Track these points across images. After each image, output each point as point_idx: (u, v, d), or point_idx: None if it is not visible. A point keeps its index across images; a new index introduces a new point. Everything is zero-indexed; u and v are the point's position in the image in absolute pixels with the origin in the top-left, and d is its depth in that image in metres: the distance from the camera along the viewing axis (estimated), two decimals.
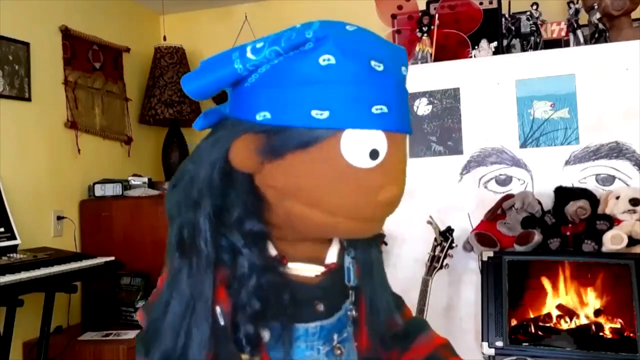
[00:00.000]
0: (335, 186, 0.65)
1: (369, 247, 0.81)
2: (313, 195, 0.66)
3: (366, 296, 0.80)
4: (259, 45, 0.66)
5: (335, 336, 0.76)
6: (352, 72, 0.63)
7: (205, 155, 0.69)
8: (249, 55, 0.65)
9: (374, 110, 0.64)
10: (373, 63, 0.64)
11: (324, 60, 0.63)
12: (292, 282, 0.72)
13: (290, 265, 0.73)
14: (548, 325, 1.94)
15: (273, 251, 0.72)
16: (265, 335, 0.69)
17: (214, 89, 0.69)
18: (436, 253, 2.01)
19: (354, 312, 0.79)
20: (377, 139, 0.65)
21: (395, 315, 0.88)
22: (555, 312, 1.95)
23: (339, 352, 0.76)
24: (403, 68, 0.69)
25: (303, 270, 0.74)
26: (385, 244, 2.21)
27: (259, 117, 0.65)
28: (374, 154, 0.65)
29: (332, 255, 0.77)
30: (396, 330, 0.87)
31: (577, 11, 2.28)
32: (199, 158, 0.70)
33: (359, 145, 0.64)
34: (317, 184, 0.66)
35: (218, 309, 0.68)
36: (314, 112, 0.63)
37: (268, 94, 0.66)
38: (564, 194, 2.02)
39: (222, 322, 0.68)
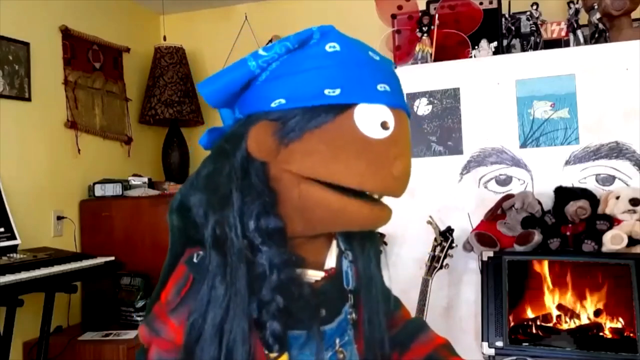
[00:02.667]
0: (351, 157, 0.68)
1: (366, 250, 0.82)
2: (330, 169, 0.68)
3: (365, 299, 0.81)
4: (269, 44, 0.71)
5: (337, 340, 0.76)
6: (356, 57, 0.70)
7: (223, 153, 0.72)
8: (261, 52, 0.70)
9: (379, 87, 0.70)
10: (371, 53, 0.72)
11: (330, 47, 0.69)
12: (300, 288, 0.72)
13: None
14: (548, 325, 1.94)
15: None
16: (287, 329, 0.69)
17: (229, 91, 0.72)
18: (436, 253, 2.01)
19: (353, 315, 0.79)
20: (386, 113, 0.70)
21: (394, 317, 0.88)
22: (555, 312, 1.95)
23: (341, 356, 0.76)
24: (392, 67, 0.77)
25: (307, 276, 0.74)
26: (385, 243, 2.21)
27: (273, 104, 0.69)
28: (384, 125, 0.69)
29: (331, 260, 0.78)
30: (395, 332, 0.87)
31: (577, 11, 2.28)
32: (217, 157, 0.72)
33: (371, 118, 0.69)
34: (334, 158, 0.68)
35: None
36: (326, 91, 0.68)
37: (281, 83, 0.70)
38: (564, 194, 2.02)
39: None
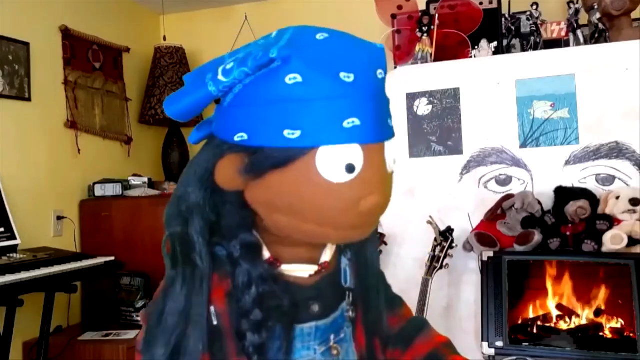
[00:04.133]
0: (315, 202, 0.66)
1: (365, 248, 0.82)
2: (298, 208, 0.67)
3: (363, 297, 0.81)
4: (229, 66, 0.66)
5: (332, 336, 0.77)
6: (321, 88, 0.62)
7: (193, 175, 0.71)
8: (220, 77, 0.66)
9: (345, 124, 0.63)
10: (342, 75, 0.63)
11: (290, 79, 0.62)
12: (288, 285, 0.73)
13: (284, 267, 0.74)
14: (548, 325, 1.94)
15: (267, 253, 0.73)
16: (266, 338, 0.71)
17: (195, 111, 0.70)
18: (436, 253, 2.01)
19: (351, 313, 0.79)
20: (352, 152, 0.64)
21: (394, 315, 0.88)
22: (555, 312, 1.95)
23: (335, 352, 0.76)
24: (380, 72, 0.67)
25: (296, 270, 0.74)
26: (385, 244, 2.21)
27: (237, 138, 0.66)
28: (350, 168, 0.64)
29: (326, 256, 0.78)
30: (396, 330, 0.87)
31: (577, 11, 2.28)
32: (187, 177, 0.72)
33: (334, 161, 0.64)
34: (297, 201, 0.66)
35: (212, 309, 0.70)
36: (286, 132, 0.63)
37: (242, 114, 0.66)
38: (564, 194, 2.02)
39: (214, 322, 0.70)
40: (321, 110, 0.63)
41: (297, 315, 0.73)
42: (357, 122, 0.63)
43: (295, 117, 0.63)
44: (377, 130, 0.66)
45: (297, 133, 0.63)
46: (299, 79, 0.62)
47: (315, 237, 0.71)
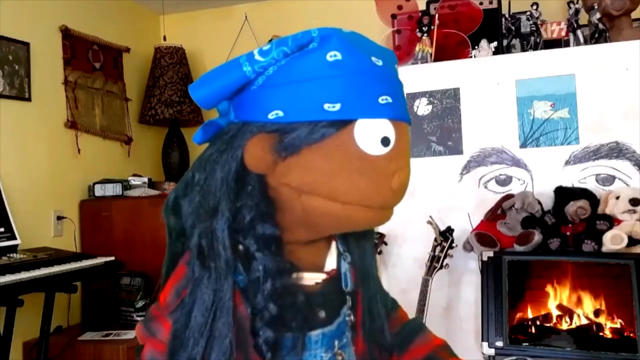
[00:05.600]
0: (352, 174, 0.67)
1: (364, 251, 0.82)
2: (331, 186, 0.67)
3: (363, 300, 0.80)
4: (266, 47, 0.68)
5: (336, 342, 0.76)
6: (358, 66, 0.67)
7: (216, 162, 0.70)
8: (257, 57, 0.67)
9: (380, 100, 0.67)
10: (374, 59, 0.68)
11: (330, 56, 0.66)
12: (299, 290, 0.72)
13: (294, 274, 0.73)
14: (548, 325, 1.94)
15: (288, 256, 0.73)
16: (280, 336, 0.70)
17: (223, 95, 0.69)
18: (436, 253, 2.01)
19: (352, 317, 0.79)
20: (386, 127, 0.68)
21: (391, 318, 0.88)
22: (555, 312, 1.95)
23: (340, 358, 0.76)
24: (396, 66, 0.74)
25: (305, 279, 0.74)
26: (385, 243, 2.21)
27: (271, 116, 0.67)
28: (385, 141, 0.68)
29: (331, 261, 0.78)
30: (393, 333, 0.86)
31: (577, 11, 2.28)
32: (209, 166, 0.71)
33: (371, 134, 0.67)
34: (334, 175, 0.67)
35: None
36: (326, 106, 0.66)
37: (278, 93, 0.67)
38: (564, 194, 2.02)
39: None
40: (359, 86, 0.67)
41: (311, 316, 0.72)
42: (389, 99, 0.68)
43: (335, 91, 0.66)
44: (405, 112, 0.72)
45: (337, 106, 0.66)
46: (339, 56, 0.66)
47: (343, 220, 0.70)
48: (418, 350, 0.84)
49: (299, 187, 0.68)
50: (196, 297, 0.68)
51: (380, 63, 0.69)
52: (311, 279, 0.74)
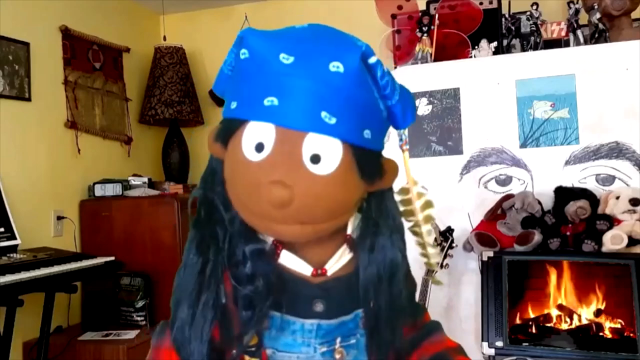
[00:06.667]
0: (234, 176, 0.68)
1: (384, 258, 0.77)
2: (228, 183, 0.70)
3: (379, 305, 0.76)
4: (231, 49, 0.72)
5: (338, 339, 0.75)
6: (258, 64, 0.65)
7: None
8: (226, 57, 0.72)
9: (265, 102, 0.63)
10: (282, 56, 0.63)
11: (242, 54, 0.67)
12: (286, 274, 0.73)
13: (285, 253, 0.73)
14: (548, 325, 1.94)
15: (269, 239, 0.74)
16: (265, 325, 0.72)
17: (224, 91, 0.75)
18: None
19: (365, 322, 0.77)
20: (266, 131, 0.64)
21: (415, 324, 0.86)
22: (555, 312, 1.95)
23: (339, 355, 0.75)
24: (335, 64, 0.63)
25: (295, 265, 0.74)
26: None
27: (225, 107, 0.71)
28: (258, 147, 0.64)
29: (334, 263, 0.75)
30: (412, 335, 0.85)
31: (577, 11, 2.28)
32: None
33: (249, 137, 0.65)
34: (227, 173, 0.70)
35: (222, 287, 0.71)
36: (232, 104, 0.68)
37: (228, 86, 0.72)
38: (564, 194, 2.02)
39: (223, 300, 0.71)
40: (251, 85, 0.65)
41: (291, 307, 0.72)
42: (275, 101, 0.63)
43: (235, 89, 0.68)
44: (298, 117, 0.63)
45: (234, 104, 0.67)
46: (247, 54, 0.66)
47: (247, 220, 0.70)
48: (428, 348, 0.84)
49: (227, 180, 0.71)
50: (187, 260, 0.73)
51: (288, 61, 0.63)
52: (302, 267, 0.73)
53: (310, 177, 0.64)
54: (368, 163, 0.68)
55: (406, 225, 0.82)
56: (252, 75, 0.65)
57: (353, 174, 0.66)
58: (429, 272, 1.99)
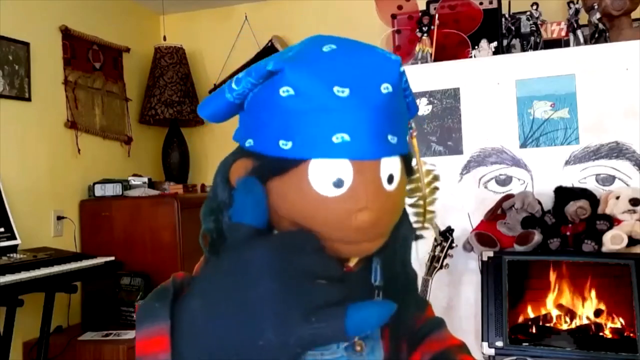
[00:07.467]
0: (308, 213, 0.66)
1: (394, 252, 0.79)
2: (295, 219, 0.67)
3: (391, 297, 0.77)
4: (240, 75, 0.68)
5: None
6: (311, 101, 0.63)
7: (219, 176, 0.73)
8: (233, 86, 0.68)
9: (334, 139, 0.63)
10: (336, 89, 0.63)
11: (283, 91, 0.63)
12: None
13: None
14: (548, 325, 1.94)
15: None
16: None
17: (221, 116, 0.73)
18: (436, 253, 2.01)
19: None
20: (342, 167, 0.64)
21: (420, 318, 0.87)
22: (555, 312, 1.95)
23: (359, 348, 0.75)
24: (385, 86, 0.65)
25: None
26: None
27: (246, 143, 0.69)
28: (338, 183, 0.64)
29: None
30: (415, 330, 0.86)
31: (577, 11, 2.28)
32: (215, 178, 0.74)
33: (324, 175, 0.64)
34: (294, 211, 0.67)
35: None
36: (280, 142, 0.64)
37: (250, 120, 0.69)
38: (564, 194, 2.02)
39: None
40: (310, 124, 0.63)
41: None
42: (346, 137, 0.63)
43: (287, 128, 0.64)
44: (372, 147, 0.64)
45: (289, 144, 0.64)
46: (291, 91, 0.63)
47: (329, 249, 0.69)
48: (432, 346, 0.84)
49: (275, 212, 0.69)
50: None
51: (344, 93, 0.62)
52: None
53: (386, 194, 0.67)
54: (409, 166, 0.73)
55: (409, 201, 0.84)
56: (305, 114, 0.63)
57: (405, 179, 0.71)
58: (429, 271, 2.00)
